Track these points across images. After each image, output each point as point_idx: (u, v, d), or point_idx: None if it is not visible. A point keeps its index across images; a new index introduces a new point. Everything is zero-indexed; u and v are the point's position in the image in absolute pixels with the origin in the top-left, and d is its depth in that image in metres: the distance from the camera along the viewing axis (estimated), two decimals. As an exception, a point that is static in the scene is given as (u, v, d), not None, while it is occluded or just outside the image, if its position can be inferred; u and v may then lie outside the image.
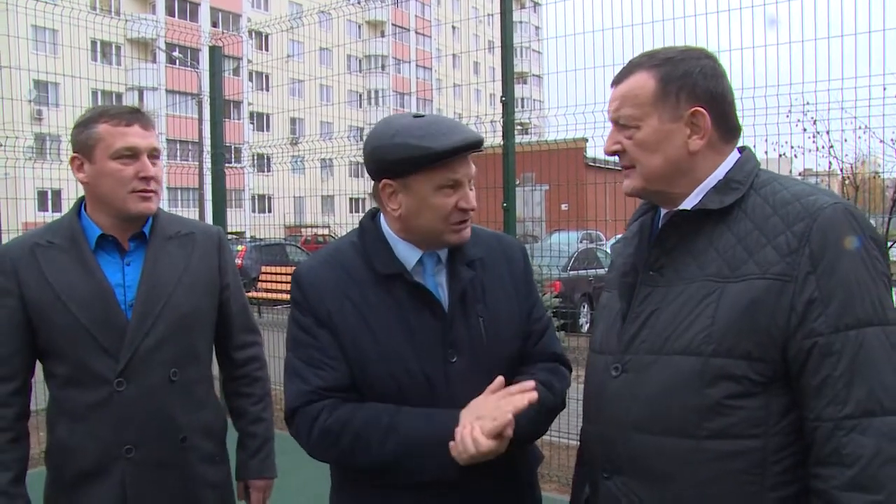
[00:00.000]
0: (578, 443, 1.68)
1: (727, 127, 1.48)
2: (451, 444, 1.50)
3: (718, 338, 1.35)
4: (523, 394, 1.51)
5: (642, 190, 1.51)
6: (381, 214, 1.73)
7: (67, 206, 2.09)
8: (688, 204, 1.47)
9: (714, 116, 1.45)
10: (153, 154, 1.99)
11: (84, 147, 1.96)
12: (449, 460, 1.51)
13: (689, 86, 1.44)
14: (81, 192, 2.06)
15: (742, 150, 1.52)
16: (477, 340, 1.65)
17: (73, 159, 1.99)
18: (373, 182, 1.68)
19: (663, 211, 1.55)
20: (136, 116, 1.97)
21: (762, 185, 1.44)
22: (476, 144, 1.61)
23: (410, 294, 1.64)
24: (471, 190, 1.64)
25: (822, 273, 1.31)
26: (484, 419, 1.50)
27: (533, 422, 1.61)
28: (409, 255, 1.67)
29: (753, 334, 1.33)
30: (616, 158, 1.55)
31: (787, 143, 5.16)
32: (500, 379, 1.56)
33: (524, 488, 1.77)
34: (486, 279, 1.72)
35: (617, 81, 1.52)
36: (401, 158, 1.57)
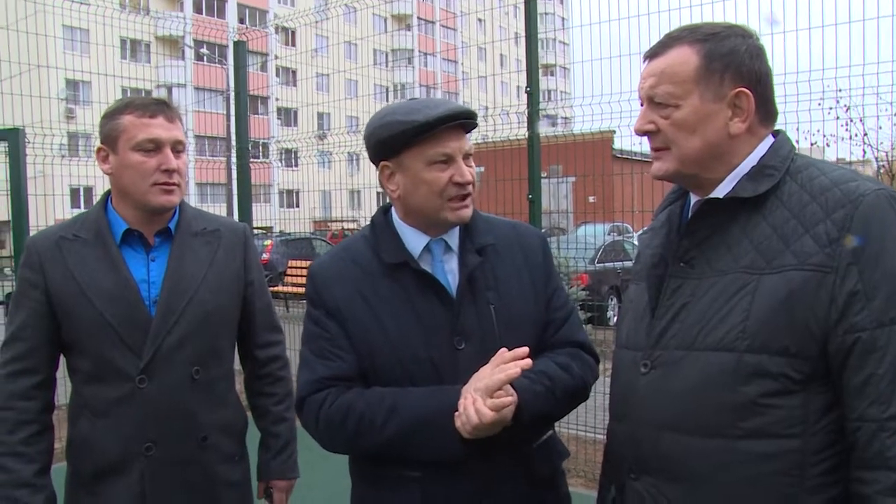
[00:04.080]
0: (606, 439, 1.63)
1: (766, 110, 1.41)
2: (457, 413, 1.49)
3: (753, 333, 1.28)
4: (516, 362, 1.48)
5: (676, 173, 1.43)
6: (392, 207, 1.74)
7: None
8: (720, 192, 1.39)
9: (757, 99, 1.37)
10: (177, 147, 1.96)
11: (108, 138, 1.95)
12: (453, 435, 1.50)
13: (734, 65, 1.36)
14: (103, 192, 2.06)
15: (776, 133, 1.44)
16: (487, 328, 1.64)
17: (98, 150, 1.98)
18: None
19: (693, 199, 1.48)
20: (161, 108, 1.95)
21: (798, 170, 1.36)
22: (460, 115, 1.61)
23: (417, 282, 1.65)
24: (469, 166, 1.65)
25: (865, 264, 1.23)
26: (480, 389, 1.49)
27: (542, 398, 1.58)
28: (416, 242, 1.69)
29: (791, 329, 1.26)
30: (644, 147, 1.49)
31: (818, 131, 5.04)
32: (501, 350, 1.53)
33: (545, 483, 1.73)
34: (499, 267, 1.71)
35: (653, 55, 1.43)
36: (390, 135, 1.61)
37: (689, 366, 1.34)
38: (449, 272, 1.69)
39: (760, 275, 1.30)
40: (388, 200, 1.79)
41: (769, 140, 1.42)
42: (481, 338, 1.62)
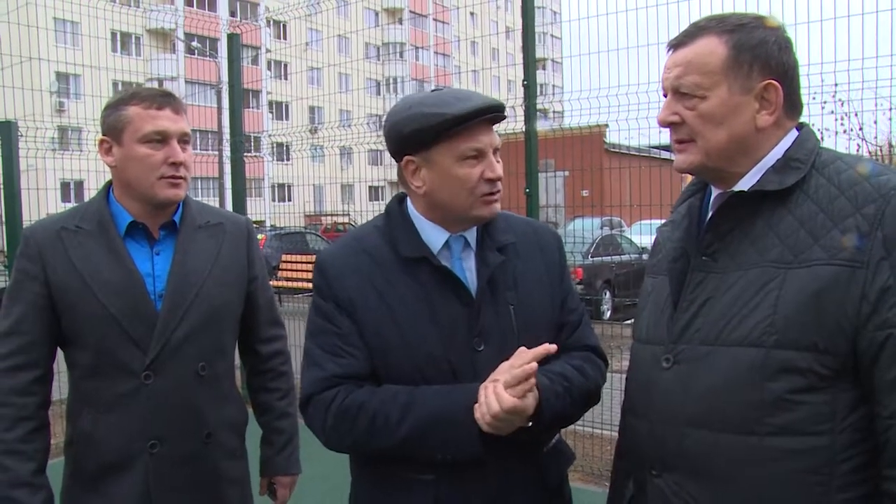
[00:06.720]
0: (617, 435, 1.60)
1: (793, 103, 1.39)
2: (476, 405, 1.44)
3: (782, 328, 1.26)
4: (540, 347, 1.44)
5: (700, 166, 1.41)
6: (409, 198, 1.68)
7: (90, 196, 2.06)
8: (744, 184, 1.37)
9: (785, 92, 1.36)
10: (184, 139, 1.93)
11: (113, 129, 1.90)
12: (471, 434, 1.45)
13: (763, 56, 1.34)
14: (104, 183, 2.02)
15: (800, 126, 1.42)
16: (507, 328, 1.58)
17: (101, 142, 1.93)
18: (397, 165, 1.63)
19: (714, 192, 1.46)
20: (168, 100, 1.92)
21: (825, 164, 1.35)
22: (494, 108, 1.55)
23: (436, 278, 1.58)
24: (497, 161, 1.59)
25: None
26: (501, 382, 1.43)
27: (561, 399, 1.53)
28: (435, 237, 1.62)
29: (820, 325, 1.23)
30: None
31: (813, 125, 5.02)
32: (521, 349, 1.47)
33: (553, 489, 1.69)
34: (519, 266, 1.65)
35: (678, 45, 1.40)
36: (417, 129, 1.53)
37: (715, 361, 1.32)
38: (467, 270, 1.62)
39: (787, 269, 1.28)
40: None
41: (793, 133, 1.41)
42: (500, 339, 1.57)
